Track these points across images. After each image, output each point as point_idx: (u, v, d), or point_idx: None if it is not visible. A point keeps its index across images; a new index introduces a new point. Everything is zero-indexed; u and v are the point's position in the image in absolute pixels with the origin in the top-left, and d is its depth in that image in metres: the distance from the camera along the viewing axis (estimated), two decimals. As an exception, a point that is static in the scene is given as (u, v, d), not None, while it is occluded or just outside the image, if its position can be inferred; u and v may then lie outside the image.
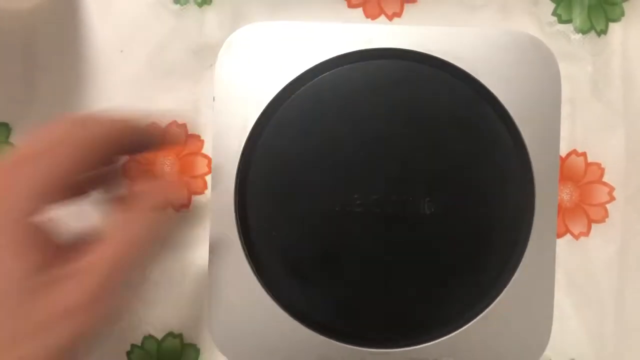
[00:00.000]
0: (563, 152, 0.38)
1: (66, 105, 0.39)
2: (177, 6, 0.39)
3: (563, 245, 0.38)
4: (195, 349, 0.39)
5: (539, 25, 0.39)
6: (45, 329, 0.23)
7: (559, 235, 0.38)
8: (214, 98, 0.36)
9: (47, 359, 0.23)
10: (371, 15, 0.39)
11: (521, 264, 0.36)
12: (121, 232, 0.26)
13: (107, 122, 0.27)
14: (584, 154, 0.39)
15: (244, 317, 0.36)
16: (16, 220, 0.24)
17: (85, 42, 0.39)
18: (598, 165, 0.39)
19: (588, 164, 0.39)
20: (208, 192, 0.39)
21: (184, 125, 0.39)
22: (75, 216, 0.28)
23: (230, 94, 0.36)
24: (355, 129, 0.36)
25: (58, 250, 0.25)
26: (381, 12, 0.39)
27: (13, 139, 0.39)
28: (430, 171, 0.35)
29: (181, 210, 0.39)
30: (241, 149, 0.36)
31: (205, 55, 0.39)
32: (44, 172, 0.25)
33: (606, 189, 0.39)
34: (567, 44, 0.39)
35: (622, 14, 0.39)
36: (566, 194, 0.39)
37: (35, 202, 0.24)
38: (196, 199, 0.39)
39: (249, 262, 0.35)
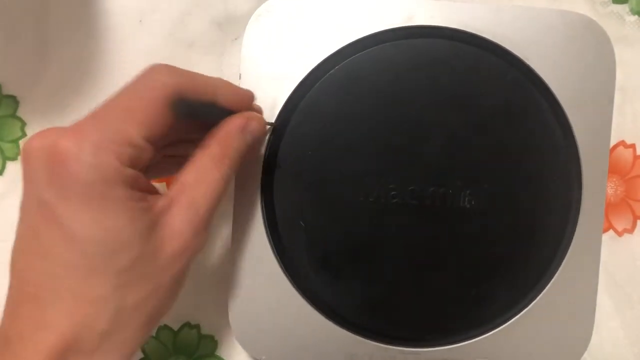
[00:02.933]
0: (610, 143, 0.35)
1: (78, 79, 0.36)
2: (200, -27, 0.36)
3: (605, 241, 0.36)
4: (212, 341, 0.37)
5: (591, 4, 0.36)
6: (162, 269, 0.25)
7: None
8: (239, 75, 0.33)
9: (166, 293, 0.25)
10: (410, -11, 0.36)
11: (564, 263, 0.34)
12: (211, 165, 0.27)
13: None
14: (633, 146, 0.36)
15: (267, 310, 0.34)
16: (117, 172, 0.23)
17: (101, 11, 0.36)
18: (648, 158, 0.36)
19: (637, 157, 0.36)
20: (230, 176, 0.36)
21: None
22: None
23: (258, 71, 0.33)
24: (393, 114, 0.33)
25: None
26: (421, -14, 0.36)
27: (21, 112, 0.37)
28: (471, 161, 0.33)
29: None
30: (269, 131, 0.33)
31: (230, 27, 0.36)
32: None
33: (655, 184, 0.36)
34: (621, 27, 0.36)
35: (682, -5, 0.36)
36: (611, 188, 0.36)
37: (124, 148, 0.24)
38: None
39: (275, 254, 0.33)
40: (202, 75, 0.28)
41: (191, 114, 0.27)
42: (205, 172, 0.27)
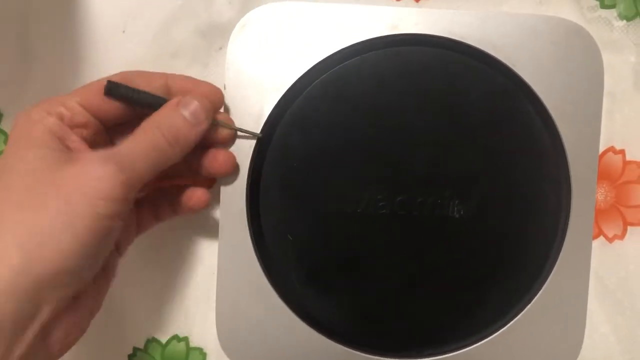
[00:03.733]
0: (599, 148, 0.35)
1: (62, 90, 0.35)
2: (184, -18, 0.35)
3: (595, 248, 0.36)
4: (201, 353, 0.37)
5: (579, 10, 0.36)
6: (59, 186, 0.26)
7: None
8: (224, 86, 0.33)
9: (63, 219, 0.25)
10: (396, -4, 0.36)
11: (554, 271, 0.33)
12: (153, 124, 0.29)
13: None
14: (622, 152, 0.36)
15: (254, 323, 0.33)
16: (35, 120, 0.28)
17: (84, 21, 0.35)
18: (637, 163, 0.36)
19: (626, 162, 0.36)
20: (217, 188, 0.36)
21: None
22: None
23: (243, 82, 0.33)
24: (379, 124, 0.33)
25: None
26: (407, -8, 0.36)
27: (4, 126, 0.36)
28: (459, 170, 0.33)
29: (187, 206, 0.36)
30: (254, 142, 0.33)
31: (214, 36, 0.36)
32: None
33: (645, 190, 0.36)
34: (609, 32, 0.35)
35: (670, -1, 0.36)
36: (601, 194, 0.36)
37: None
38: (204, 194, 0.36)
39: (262, 266, 0.33)
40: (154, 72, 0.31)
41: (124, 95, 0.29)
42: (133, 135, 0.28)
